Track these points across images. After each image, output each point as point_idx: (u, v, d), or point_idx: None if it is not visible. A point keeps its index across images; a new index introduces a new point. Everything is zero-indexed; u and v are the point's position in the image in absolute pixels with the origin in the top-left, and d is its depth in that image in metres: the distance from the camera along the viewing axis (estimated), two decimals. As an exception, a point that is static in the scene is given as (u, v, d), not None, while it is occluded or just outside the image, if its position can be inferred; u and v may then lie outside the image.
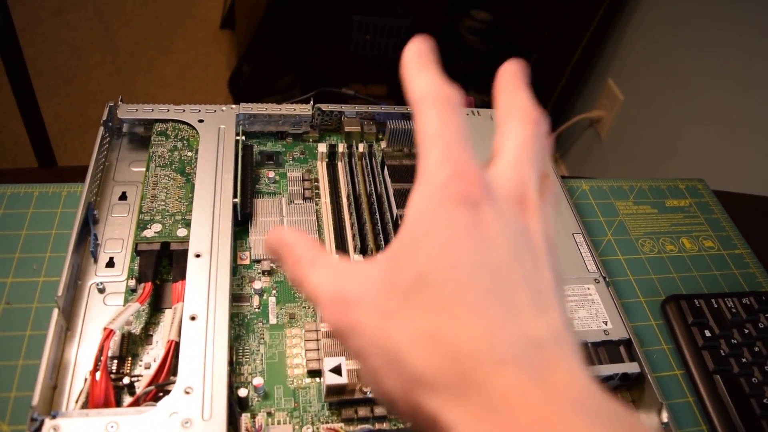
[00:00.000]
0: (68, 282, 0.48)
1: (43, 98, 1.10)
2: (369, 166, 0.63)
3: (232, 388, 0.44)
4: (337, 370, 0.46)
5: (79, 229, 0.52)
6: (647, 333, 0.60)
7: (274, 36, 1.62)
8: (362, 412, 0.47)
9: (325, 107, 0.67)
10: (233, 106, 0.63)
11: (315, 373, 0.49)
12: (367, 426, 0.46)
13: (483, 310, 0.23)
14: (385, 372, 0.25)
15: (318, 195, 0.62)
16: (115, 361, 0.46)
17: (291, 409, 0.47)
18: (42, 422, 0.38)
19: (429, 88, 0.28)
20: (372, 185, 0.61)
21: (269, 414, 0.46)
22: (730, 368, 0.56)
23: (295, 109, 0.65)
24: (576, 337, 0.24)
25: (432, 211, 0.25)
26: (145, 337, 0.49)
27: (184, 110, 0.62)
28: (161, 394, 0.43)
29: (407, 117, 0.68)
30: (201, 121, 0.61)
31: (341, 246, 0.57)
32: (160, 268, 0.53)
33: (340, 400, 0.47)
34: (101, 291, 0.52)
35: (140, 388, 0.44)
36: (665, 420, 0.48)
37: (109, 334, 0.44)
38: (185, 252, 0.49)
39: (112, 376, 0.45)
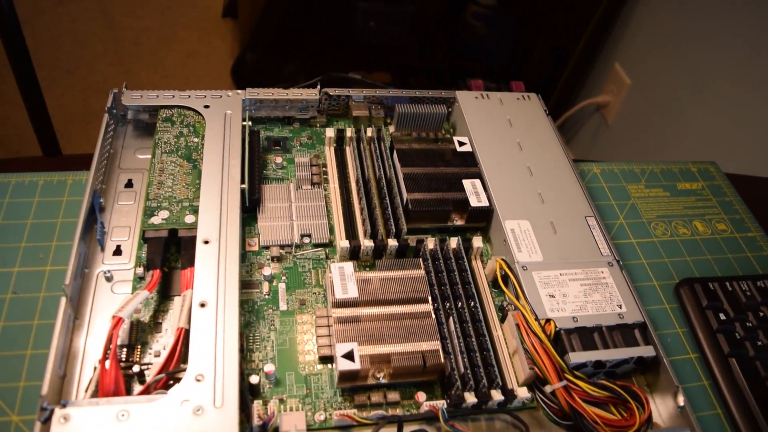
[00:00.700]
0: (75, 270, 0.48)
1: (46, 90, 1.09)
2: (378, 151, 0.62)
3: (243, 375, 0.44)
4: (349, 356, 0.45)
5: (85, 216, 0.51)
6: (661, 316, 0.59)
7: (277, 24, 1.60)
8: (375, 398, 0.47)
9: (332, 91, 0.66)
10: (239, 91, 0.62)
11: (326, 359, 0.49)
12: (381, 412, 0.46)
13: None
14: None
15: (326, 180, 0.62)
16: (125, 350, 0.46)
17: (303, 395, 0.47)
18: (52, 411, 0.38)
19: None
20: (381, 170, 0.60)
21: (281, 401, 0.46)
22: (745, 351, 0.55)
23: (301, 94, 0.64)
24: None
25: None
26: (154, 324, 0.48)
27: (189, 96, 0.61)
28: (172, 381, 0.43)
29: (416, 101, 0.67)
30: (207, 106, 0.60)
31: (351, 231, 0.57)
32: (168, 255, 0.52)
33: (352, 386, 0.47)
34: (109, 279, 0.51)
35: (150, 376, 0.43)
36: (681, 403, 0.47)
37: (117, 322, 0.44)
38: (193, 239, 0.49)
39: (122, 364, 0.45)
